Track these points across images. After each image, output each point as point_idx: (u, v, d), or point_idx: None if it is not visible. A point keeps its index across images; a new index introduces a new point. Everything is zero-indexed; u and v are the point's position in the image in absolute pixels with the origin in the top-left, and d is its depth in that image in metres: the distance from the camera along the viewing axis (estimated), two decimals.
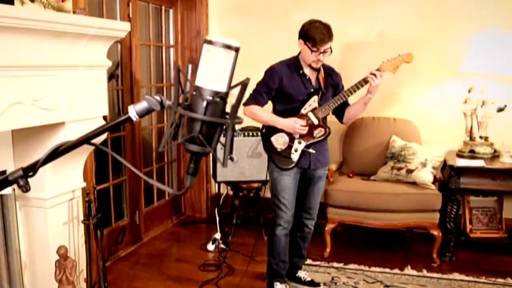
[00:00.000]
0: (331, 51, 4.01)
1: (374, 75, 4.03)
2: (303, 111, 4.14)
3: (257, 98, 4.13)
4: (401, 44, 5.47)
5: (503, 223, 5.36)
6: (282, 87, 4.09)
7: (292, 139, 4.16)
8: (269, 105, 4.25)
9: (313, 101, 4.13)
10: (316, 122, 4.13)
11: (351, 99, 4.19)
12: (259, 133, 4.41)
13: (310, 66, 4.08)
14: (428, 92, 5.74)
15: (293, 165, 4.16)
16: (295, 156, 4.15)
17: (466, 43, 5.31)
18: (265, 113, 4.17)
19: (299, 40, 4.02)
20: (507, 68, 5.02)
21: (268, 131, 4.24)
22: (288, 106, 4.16)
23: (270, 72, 4.12)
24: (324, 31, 3.90)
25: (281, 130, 4.15)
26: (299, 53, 4.14)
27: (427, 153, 5.14)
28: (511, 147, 5.02)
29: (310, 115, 4.13)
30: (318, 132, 4.16)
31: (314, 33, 3.89)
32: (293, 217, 4.30)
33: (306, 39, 3.95)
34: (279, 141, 4.18)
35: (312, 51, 3.94)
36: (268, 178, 4.38)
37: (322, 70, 4.19)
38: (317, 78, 4.18)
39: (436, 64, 5.62)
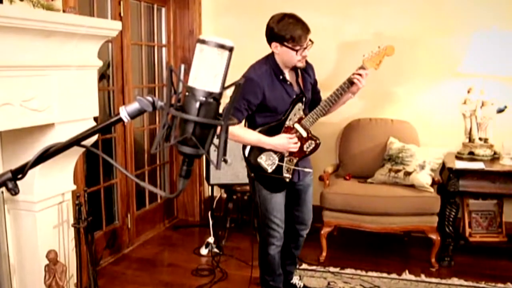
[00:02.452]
0: (312, 42, 3.70)
1: (360, 75, 3.84)
2: (288, 122, 3.87)
3: (236, 116, 3.64)
4: (399, 44, 5.47)
5: (503, 226, 5.36)
6: (266, 101, 3.75)
7: (282, 158, 3.91)
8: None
9: (298, 110, 3.87)
10: (305, 134, 3.90)
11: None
12: (242, 153, 4.01)
13: (292, 68, 3.83)
14: (426, 93, 5.76)
15: (286, 185, 3.98)
16: (288, 177, 3.94)
17: (465, 42, 5.33)
18: (249, 133, 3.85)
19: (273, 43, 3.71)
20: (507, 68, 5.04)
21: (253, 153, 3.93)
22: (270, 119, 3.86)
23: (250, 85, 3.68)
24: (298, 24, 3.62)
25: (268, 149, 3.87)
26: (272, 53, 3.80)
27: (426, 155, 5.15)
28: (511, 149, 5.04)
29: (298, 127, 3.88)
30: (309, 146, 3.93)
31: (290, 31, 3.60)
32: (287, 230, 4.15)
33: (283, 40, 3.63)
34: (268, 163, 3.89)
35: (295, 50, 3.65)
36: (255, 196, 4.03)
37: (299, 70, 3.89)
38: (297, 81, 3.91)
39: (435, 64, 5.63)
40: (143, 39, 5.90)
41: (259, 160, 3.91)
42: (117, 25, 3.84)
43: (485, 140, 5.32)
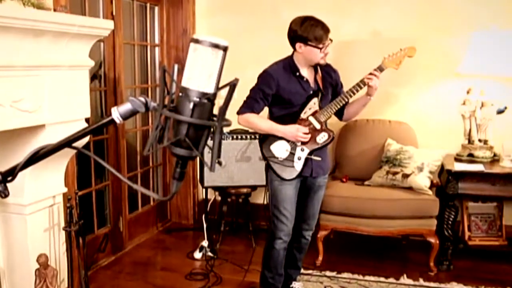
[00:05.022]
0: (331, 40, 3.99)
1: (374, 75, 4.05)
2: (303, 115, 4.08)
3: (252, 106, 4.04)
4: (397, 43, 5.47)
5: (503, 230, 5.37)
6: (280, 92, 4.01)
7: (294, 146, 4.07)
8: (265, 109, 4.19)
9: (313, 104, 4.08)
10: (318, 126, 4.08)
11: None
12: (256, 140, 4.23)
13: (312, 66, 4.08)
14: (425, 94, 5.77)
15: (296, 174, 4.08)
16: (298, 165, 4.07)
17: (465, 42, 5.33)
18: (263, 121, 4.11)
19: (297, 44, 3.96)
20: (507, 68, 5.04)
21: (267, 140, 4.13)
22: (286, 111, 4.09)
23: (265, 77, 4.04)
24: (319, 25, 3.91)
25: (282, 137, 4.08)
26: (292, 54, 4.08)
27: (424, 157, 5.15)
28: (511, 151, 5.05)
29: (312, 119, 4.08)
30: (322, 137, 4.10)
31: (314, 31, 3.88)
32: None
33: (307, 41, 3.90)
34: (280, 150, 4.08)
35: (319, 49, 3.92)
36: (267, 188, 4.27)
37: (319, 69, 4.14)
38: (315, 79, 4.13)
39: (433, 64, 5.64)
40: (136, 38, 5.90)
41: (271, 147, 4.11)
42: (109, 24, 3.84)
43: (485, 142, 5.31)
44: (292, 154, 4.08)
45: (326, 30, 3.92)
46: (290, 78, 4.05)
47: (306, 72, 4.11)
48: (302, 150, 4.08)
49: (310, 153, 4.10)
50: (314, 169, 4.15)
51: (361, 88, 4.10)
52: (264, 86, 4.02)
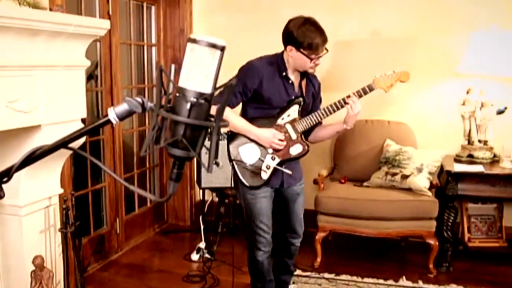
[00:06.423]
0: (327, 51, 3.71)
1: (354, 102, 3.81)
2: (280, 121, 3.85)
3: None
4: (396, 43, 5.51)
5: (503, 231, 5.38)
6: (261, 89, 3.74)
7: (264, 152, 3.85)
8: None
9: (293, 111, 3.85)
10: (294, 136, 3.86)
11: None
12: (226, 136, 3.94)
13: (300, 71, 3.86)
14: (424, 94, 5.77)
15: (262, 183, 3.86)
16: (265, 174, 3.85)
17: (464, 42, 5.33)
18: (239, 119, 3.82)
19: (288, 46, 3.69)
20: (507, 68, 5.04)
21: (237, 141, 3.88)
22: (263, 113, 3.85)
23: (250, 69, 3.75)
24: (318, 33, 3.62)
25: (253, 140, 3.84)
26: (283, 52, 3.82)
27: (423, 158, 5.15)
28: (511, 152, 5.05)
29: (288, 127, 3.85)
30: (296, 149, 3.88)
31: (310, 38, 3.59)
32: (278, 238, 4.16)
33: (299, 46, 3.63)
34: (249, 154, 3.84)
35: (310, 58, 3.66)
36: (239, 199, 4.08)
37: (305, 76, 3.94)
38: (300, 85, 3.91)
39: (433, 64, 5.64)
40: (132, 38, 5.90)
41: (240, 149, 3.87)
42: (106, 23, 3.83)
43: (485, 142, 5.31)
44: (261, 160, 3.85)
45: (324, 39, 3.64)
46: (275, 76, 3.78)
47: (293, 75, 3.87)
48: (273, 158, 3.85)
49: (281, 164, 3.87)
50: (285, 180, 3.96)
51: (342, 107, 3.85)
52: (247, 79, 3.72)
